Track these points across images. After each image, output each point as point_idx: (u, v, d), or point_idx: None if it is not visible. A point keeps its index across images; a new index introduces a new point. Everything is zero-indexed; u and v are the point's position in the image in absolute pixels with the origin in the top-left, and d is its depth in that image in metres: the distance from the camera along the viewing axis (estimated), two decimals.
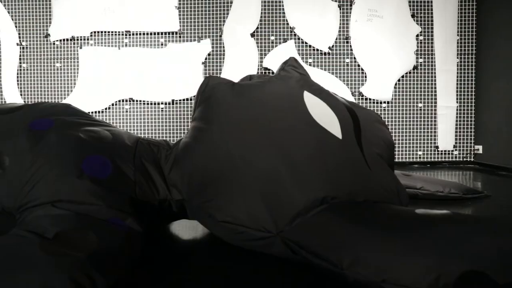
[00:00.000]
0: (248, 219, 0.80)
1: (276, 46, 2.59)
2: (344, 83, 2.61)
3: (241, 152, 0.86)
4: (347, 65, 2.62)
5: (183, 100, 2.61)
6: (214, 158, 0.87)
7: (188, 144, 0.92)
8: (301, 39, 2.59)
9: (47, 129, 0.85)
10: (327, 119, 0.92)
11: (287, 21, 2.58)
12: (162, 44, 2.61)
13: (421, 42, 2.62)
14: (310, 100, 0.95)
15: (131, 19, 2.60)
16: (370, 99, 2.62)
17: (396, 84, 2.63)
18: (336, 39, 2.59)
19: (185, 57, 2.58)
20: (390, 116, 2.64)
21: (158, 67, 2.58)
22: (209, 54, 2.60)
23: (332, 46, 2.59)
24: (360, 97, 2.62)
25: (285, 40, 2.59)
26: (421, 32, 2.61)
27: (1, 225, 0.76)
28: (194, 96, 2.57)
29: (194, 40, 2.60)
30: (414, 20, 2.60)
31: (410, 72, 2.62)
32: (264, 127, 0.89)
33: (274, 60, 2.53)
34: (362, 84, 2.62)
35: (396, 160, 2.52)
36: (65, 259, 0.60)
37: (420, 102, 2.65)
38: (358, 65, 2.61)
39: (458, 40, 2.62)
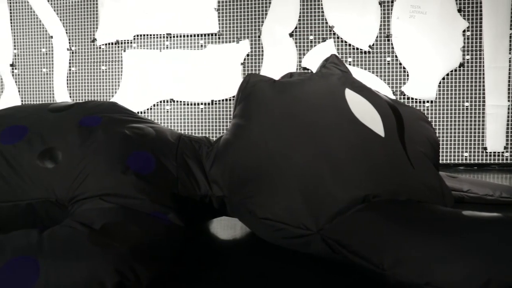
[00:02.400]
0: (288, 216, 0.80)
1: (315, 45, 2.57)
2: (385, 82, 2.54)
3: (282, 149, 0.86)
4: (388, 63, 2.55)
5: (222, 100, 2.64)
6: (254, 155, 0.88)
7: (228, 140, 0.93)
8: (341, 38, 2.55)
9: (95, 126, 0.89)
10: (369, 117, 0.90)
11: (326, 20, 2.55)
12: (201, 46, 2.66)
13: (468, 38, 2.49)
14: (352, 98, 0.93)
15: (171, 22, 2.67)
16: (412, 98, 2.54)
17: (440, 83, 2.53)
18: (377, 37, 2.53)
19: (224, 58, 2.61)
20: (434, 115, 2.54)
21: (198, 68, 2.63)
22: (247, 55, 2.62)
23: (373, 44, 2.53)
24: (402, 97, 2.54)
25: (324, 40, 2.56)
26: (468, 27, 2.48)
27: (55, 215, 0.81)
28: (233, 97, 2.61)
29: (233, 41, 2.63)
30: (460, 15, 2.48)
31: (455, 70, 2.51)
32: (305, 124, 0.88)
33: (313, 60, 2.51)
34: (404, 83, 2.54)
35: (441, 161, 2.42)
36: (110, 250, 0.63)
37: (467, 101, 2.53)
38: (400, 64, 2.53)
39: (511, 34, 2.46)
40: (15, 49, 3.02)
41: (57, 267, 0.59)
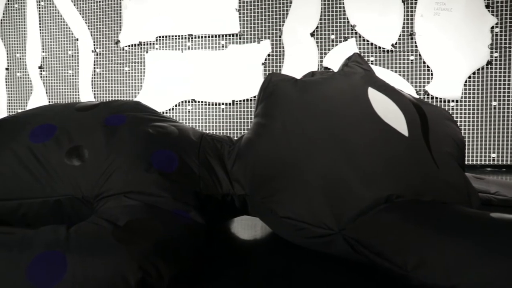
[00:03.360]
0: (309, 215, 0.80)
1: (336, 45, 2.55)
2: (408, 82, 2.49)
3: (304, 148, 0.85)
4: (411, 62, 2.50)
5: (243, 100, 2.65)
6: (276, 154, 0.87)
7: (250, 139, 0.93)
8: (363, 37, 2.52)
9: (120, 125, 0.90)
10: (393, 116, 0.89)
11: (347, 19, 2.52)
12: (223, 46, 2.68)
13: (496, 35, 2.41)
14: (375, 97, 0.92)
15: (193, 23, 2.70)
16: (436, 98, 2.48)
17: (466, 81, 2.46)
18: (400, 35, 2.48)
19: (245, 58, 2.62)
20: (460, 115, 2.47)
21: (219, 69, 2.65)
22: (268, 55, 2.62)
23: (395, 43, 2.48)
24: (426, 96, 2.49)
25: (345, 39, 2.53)
26: (497, 23, 2.40)
27: (82, 211, 0.83)
28: (254, 97, 2.61)
29: (254, 41, 2.64)
30: (488, 10, 2.40)
31: (482, 68, 2.44)
32: (327, 123, 0.87)
33: (335, 59, 2.49)
34: (428, 82, 2.48)
35: (467, 162, 2.35)
36: (134, 247, 0.64)
37: (495, 100, 2.45)
38: (424, 62, 2.48)
39: None
40: (43, 52, 3.12)
41: (83, 262, 0.60)
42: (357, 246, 0.74)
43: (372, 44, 2.51)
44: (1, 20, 3.24)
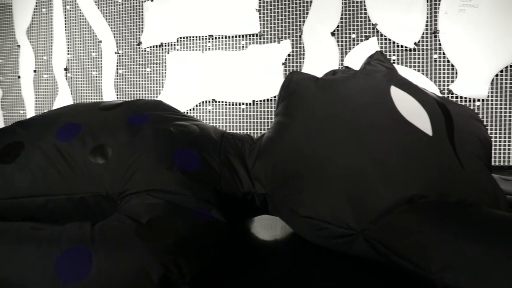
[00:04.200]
0: (330, 215, 0.79)
1: (357, 44, 2.52)
2: (431, 81, 2.44)
3: (325, 147, 0.84)
4: (435, 61, 2.44)
5: (264, 100, 2.65)
6: (297, 153, 0.87)
7: (271, 138, 0.93)
8: (384, 36, 2.48)
9: (142, 124, 0.92)
10: (416, 115, 0.87)
11: (369, 17, 2.49)
12: (243, 46, 2.69)
13: None
14: (398, 95, 0.90)
15: (213, 24, 2.72)
16: (461, 97, 2.42)
17: (493, 80, 2.39)
18: (423, 33, 2.43)
19: (265, 58, 2.62)
20: (486, 115, 2.40)
21: (239, 69, 2.66)
22: (289, 55, 2.61)
23: (418, 41, 2.44)
24: (450, 95, 2.43)
25: (367, 38, 2.50)
26: None
27: (106, 209, 0.84)
28: (274, 97, 2.61)
29: (274, 41, 2.64)
30: None
31: (510, 66, 2.36)
32: (349, 122, 0.86)
33: (356, 59, 2.46)
34: (452, 81, 2.42)
35: (494, 163, 2.28)
36: (156, 244, 0.65)
37: None
38: (448, 61, 2.42)
39: None
40: (68, 54, 3.20)
41: (107, 258, 0.61)
42: (378, 246, 0.73)
43: (394, 42, 2.47)
44: (30, 25, 3.35)
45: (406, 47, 2.45)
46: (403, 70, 2.40)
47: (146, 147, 0.87)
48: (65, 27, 3.21)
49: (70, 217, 0.85)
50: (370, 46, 2.46)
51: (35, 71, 3.34)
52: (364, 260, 0.81)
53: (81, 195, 0.85)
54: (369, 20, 2.49)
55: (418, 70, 2.45)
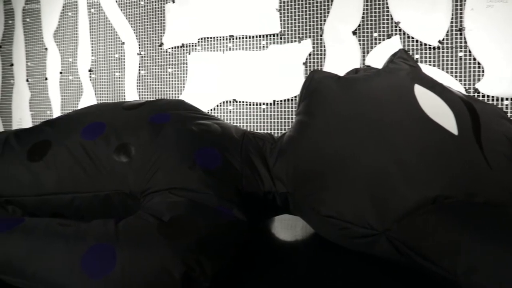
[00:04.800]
0: (352, 215, 0.78)
1: (379, 43, 2.48)
2: (457, 80, 2.37)
3: (347, 146, 0.84)
4: (460, 59, 2.38)
5: (284, 100, 2.64)
6: (318, 152, 0.86)
7: (292, 137, 0.93)
8: (407, 34, 2.43)
9: (164, 123, 0.93)
10: (441, 114, 0.85)
11: (391, 15, 2.45)
12: (263, 46, 2.69)
13: None
14: (422, 94, 0.88)
15: (234, 24, 2.73)
16: (488, 96, 2.35)
17: None
18: (447, 31, 2.37)
19: (286, 58, 2.62)
20: None
21: (260, 69, 2.66)
22: (309, 54, 2.60)
23: (443, 39, 2.38)
24: (476, 94, 2.36)
25: (389, 36, 2.46)
26: None
27: (129, 206, 0.86)
28: (295, 97, 2.60)
29: (295, 41, 2.63)
30: None
31: None
32: (371, 121, 0.85)
33: (378, 58, 2.43)
34: (478, 80, 2.35)
35: None
36: (178, 242, 0.65)
37: None
38: (474, 59, 2.35)
39: None
40: (92, 56, 3.28)
41: (130, 256, 0.63)
42: (401, 247, 0.72)
43: (417, 41, 2.42)
44: (57, 28, 3.44)
45: (430, 45, 2.40)
46: (427, 69, 2.34)
47: (168, 146, 0.88)
48: (90, 29, 3.29)
49: (95, 213, 0.87)
50: (393, 45, 2.42)
51: (61, 72, 3.44)
52: (384, 261, 0.80)
53: (106, 193, 0.86)
54: (392, 18, 2.45)
55: (443, 69, 2.39)
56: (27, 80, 3.62)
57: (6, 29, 3.72)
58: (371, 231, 0.76)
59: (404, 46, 2.46)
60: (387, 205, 0.76)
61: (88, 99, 3.29)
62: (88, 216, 0.86)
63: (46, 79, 3.50)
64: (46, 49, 3.49)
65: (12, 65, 3.68)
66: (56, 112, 3.50)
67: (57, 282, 0.61)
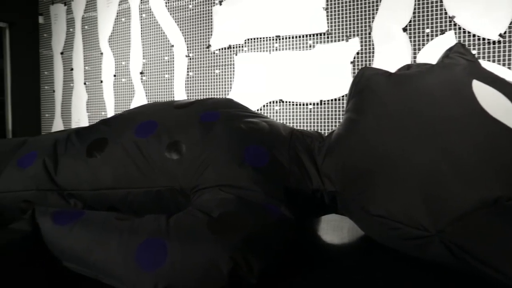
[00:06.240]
0: (403, 215, 0.75)
1: (432, 39, 2.36)
2: None
3: (399, 144, 0.80)
4: None
5: (331, 100, 2.60)
6: (368, 150, 0.84)
7: (341, 135, 0.91)
8: (463, 29, 2.29)
9: (214, 121, 0.95)
10: (503, 111, 0.79)
11: (445, 9, 2.33)
12: (310, 46, 2.66)
13: None
14: (481, 90, 0.83)
15: (280, 24, 2.73)
16: None
17: None
18: (510, 23, 2.21)
19: (333, 57, 2.58)
20: None
21: (306, 69, 2.64)
22: (357, 53, 2.54)
23: (504, 32, 2.22)
24: None
25: (442, 32, 2.34)
26: None
27: (180, 202, 0.88)
28: (342, 96, 2.55)
29: (342, 40, 2.58)
30: None
31: None
32: (425, 118, 0.81)
33: (430, 55, 2.32)
34: None
35: None
36: (226, 238, 0.66)
37: None
38: None
39: None
40: (143, 59, 3.41)
41: (181, 250, 0.64)
42: (456, 251, 0.68)
43: (474, 36, 2.28)
44: (111, 34, 3.63)
45: (489, 39, 2.25)
46: (486, 66, 2.21)
47: (217, 143, 0.89)
48: (141, 34, 3.43)
49: (147, 208, 0.90)
50: (447, 41, 2.30)
51: (115, 75, 3.62)
52: (432, 264, 0.76)
53: (157, 189, 0.89)
54: (446, 13, 2.33)
55: (504, 64, 2.24)
56: (84, 83, 3.85)
57: (68, 36, 3.98)
58: (423, 233, 0.72)
59: (459, 41, 2.33)
60: (441, 205, 0.72)
61: (139, 100, 3.44)
62: (141, 210, 0.90)
63: (102, 82, 3.70)
64: (101, 53, 3.69)
65: (72, 69, 3.93)
66: (110, 113, 3.68)
67: (114, 273, 0.65)
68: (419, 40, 2.40)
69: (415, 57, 2.39)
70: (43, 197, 0.94)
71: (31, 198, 0.94)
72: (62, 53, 4.04)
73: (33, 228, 0.70)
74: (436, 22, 2.36)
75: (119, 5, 3.58)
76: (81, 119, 3.87)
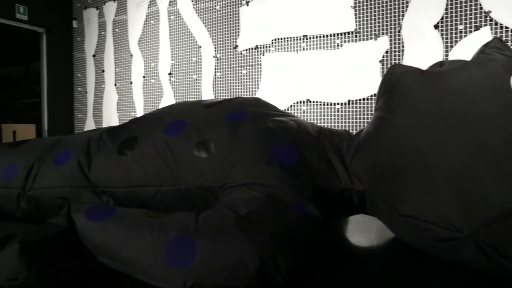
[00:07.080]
0: (435, 215, 0.72)
1: (465, 36, 2.28)
2: None
3: (430, 143, 0.78)
4: None
5: (360, 100, 2.56)
6: (399, 148, 0.82)
7: (370, 133, 0.89)
8: (500, 24, 2.20)
9: (242, 120, 0.95)
10: None
11: (480, 4, 2.24)
12: (338, 45, 2.63)
13: None
14: None
15: (308, 24, 2.71)
16: None
17: None
18: None
19: (361, 57, 2.54)
20: None
21: (334, 68, 2.61)
22: (386, 52, 2.49)
23: None
24: None
25: (477, 28, 2.26)
26: None
27: (208, 200, 0.89)
28: (371, 96, 2.50)
29: (371, 39, 2.53)
30: None
31: None
32: (458, 116, 0.78)
33: (463, 53, 2.24)
34: None
35: None
36: (254, 236, 0.66)
37: None
38: None
39: None
40: (172, 60, 3.47)
41: (209, 248, 0.65)
42: (493, 254, 0.65)
43: None
44: (141, 36, 3.72)
45: None
46: None
47: (245, 142, 0.89)
48: (170, 35, 3.49)
49: (176, 205, 0.91)
50: (482, 37, 2.21)
51: (144, 76, 3.70)
52: (463, 268, 0.73)
53: (187, 187, 0.91)
54: (481, 8, 2.24)
55: None
56: (115, 85, 3.96)
57: (99, 39, 4.11)
58: (456, 234, 0.70)
59: (496, 37, 2.23)
60: (475, 206, 0.69)
61: (167, 100, 3.50)
62: (171, 207, 0.91)
63: (131, 83, 3.79)
64: (131, 55, 3.78)
65: (103, 71, 4.06)
66: (140, 113, 3.76)
67: (144, 268, 0.66)
68: (451, 38, 2.32)
69: (447, 55, 2.32)
70: (77, 194, 0.97)
71: (66, 194, 0.98)
72: (94, 56, 4.17)
73: (69, 223, 0.73)
74: (470, 18, 2.28)
75: (148, 7, 3.66)
76: (111, 119, 3.98)
